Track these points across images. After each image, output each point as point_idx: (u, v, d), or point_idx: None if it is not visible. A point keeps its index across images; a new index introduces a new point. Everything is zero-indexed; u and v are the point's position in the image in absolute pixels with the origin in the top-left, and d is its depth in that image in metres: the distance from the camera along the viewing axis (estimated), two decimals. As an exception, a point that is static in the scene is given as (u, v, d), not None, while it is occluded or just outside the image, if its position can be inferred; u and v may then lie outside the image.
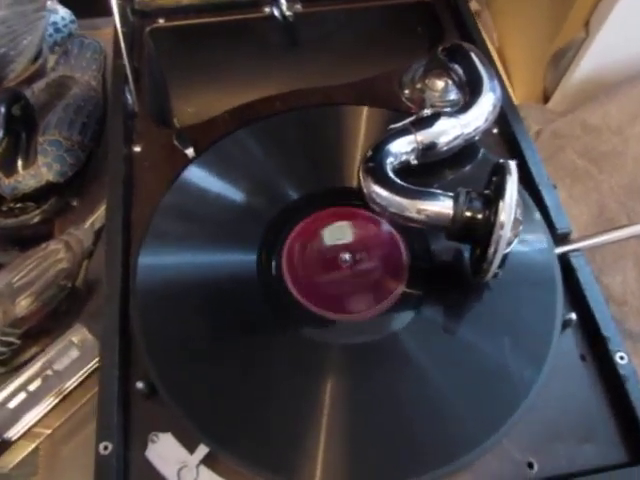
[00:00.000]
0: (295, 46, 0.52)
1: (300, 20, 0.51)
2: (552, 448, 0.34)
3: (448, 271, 0.39)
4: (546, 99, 0.64)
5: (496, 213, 0.32)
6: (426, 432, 0.33)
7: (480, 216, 0.33)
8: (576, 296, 0.38)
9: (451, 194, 0.34)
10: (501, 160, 0.33)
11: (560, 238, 0.40)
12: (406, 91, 0.46)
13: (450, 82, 0.44)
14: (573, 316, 0.36)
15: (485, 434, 0.32)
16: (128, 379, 0.35)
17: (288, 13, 0.50)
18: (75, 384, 0.41)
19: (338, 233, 0.39)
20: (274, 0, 0.49)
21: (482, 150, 0.42)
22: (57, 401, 0.41)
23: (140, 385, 0.33)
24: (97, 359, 0.41)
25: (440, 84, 0.45)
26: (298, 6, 0.51)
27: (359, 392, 0.34)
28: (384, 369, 0.35)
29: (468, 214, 0.33)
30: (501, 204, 0.32)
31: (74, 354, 0.42)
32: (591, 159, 0.58)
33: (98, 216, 0.46)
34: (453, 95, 0.45)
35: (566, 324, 0.37)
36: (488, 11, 0.70)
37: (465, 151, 0.41)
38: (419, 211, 0.34)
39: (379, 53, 0.53)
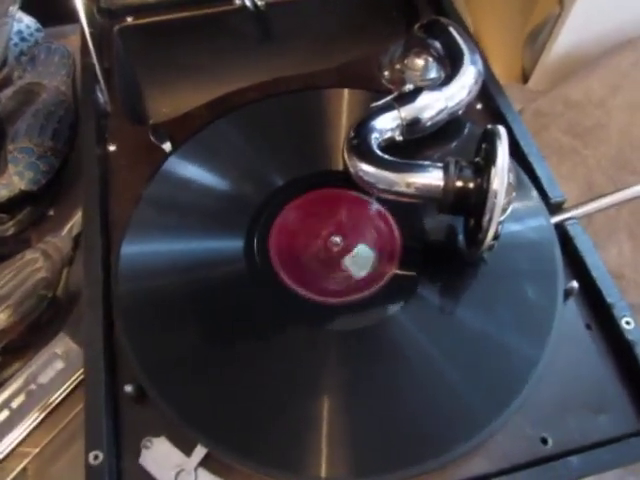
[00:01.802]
0: (269, 37, 0.51)
1: (273, 10, 0.50)
2: (564, 421, 0.32)
3: (443, 249, 0.38)
4: (525, 79, 0.64)
5: (488, 180, 0.31)
6: (433, 415, 0.32)
7: (472, 184, 0.32)
8: (576, 264, 0.37)
9: (440, 165, 0.33)
10: (489, 126, 0.32)
11: (555, 207, 0.39)
12: (385, 73, 0.45)
13: (430, 60, 0.43)
14: (575, 284, 0.35)
15: (495, 412, 0.31)
16: (115, 384, 0.33)
17: (260, 3, 0.49)
18: (62, 397, 0.39)
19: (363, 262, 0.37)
20: (244, -9, 0.48)
21: (468, 124, 0.41)
22: (43, 416, 0.39)
23: (129, 389, 0.31)
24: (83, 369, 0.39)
25: (420, 63, 0.44)
26: (270, -4, 0.50)
27: (359, 378, 0.32)
28: (384, 352, 0.33)
29: (459, 183, 0.32)
30: (493, 170, 0.31)
31: (59, 365, 0.40)
32: (576, 135, 0.58)
33: (76, 221, 0.45)
34: (433, 73, 0.44)
35: (568, 293, 0.35)
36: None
37: (451, 126, 0.40)
38: (408, 185, 0.33)
39: (355, 40, 0.52)
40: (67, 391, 0.39)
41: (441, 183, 0.32)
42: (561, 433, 0.32)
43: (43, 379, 0.39)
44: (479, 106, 0.44)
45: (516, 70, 0.64)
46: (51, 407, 0.39)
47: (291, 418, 0.31)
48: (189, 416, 0.31)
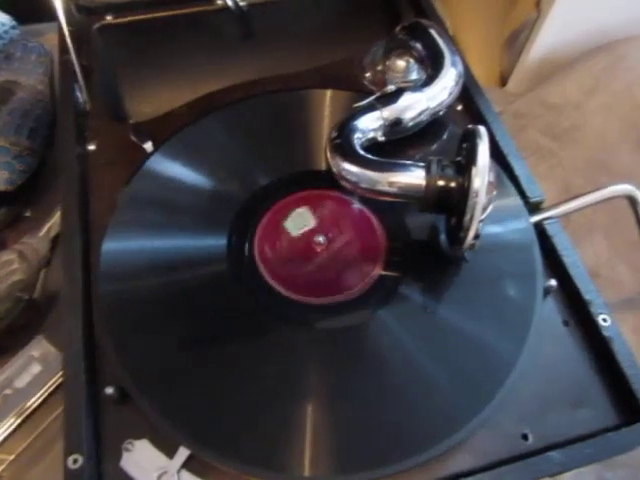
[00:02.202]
0: (251, 37, 0.51)
1: (254, 10, 0.50)
2: (545, 417, 0.33)
3: (426, 248, 0.38)
4: (504, 82, 0.65)
5: (469, 179, 0.31)
6: (415, 413, 0.32)
7: (453, 183, 0.32)
8: (555, 263, 0.38)
9: (422, 164, 0.33)
10: (470, 126, 0.33)
11: (534, 207, 0.39)
12: (367, 74, 0.46)
13: (411, 61, 0.43)
14: (553, 282, 0.36)
15: (475, 410, 0.31)
16: (96, 386, 0.32)
17: (242, 3, 0.49)
18: (39, 402, 0.38)
19: (300, 220, 0.38)
20: (226, -9, 0.48)
21: (449, 124, 0.42)
22: (19, 422, 0.38)
23: (110, 391, 0.31)
24: (61, 372, 0.38)
25: (401, 64, 0.44)
26: (251, -4, 0.50)
27: (342, 377, 0.33)
28: (367, 352, 0.34)
29: (441, 182, 0.32)
30: (474, 169, 0.31)
31: (36, 369, 0.39)
32: (553, 136, 0.59)
33: (54, 222, 0.44)
34: (415, 75, 0.44)
35: (547, 291, 0.36)
36: (439, 0, 0.71)
37: (432, 127, 0.40)
38: (391, 184, 0.33)
39: (336, 41, 0.52)
40: (45, 395, 0.38)
41: (423, 182, 0.32)
42: (541, 429, 0.32)
43: (19, 383, 0.38)
44: (460, 107, 0.45)
45: (495, 73, 0.65)
46: (28, 412, 0.38)
47: (274, 418, 0.31)
48: (172, 417, 0.30)
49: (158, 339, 0.34)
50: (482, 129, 0.32)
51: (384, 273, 0.36)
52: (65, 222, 0.37)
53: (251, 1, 0.50)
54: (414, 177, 0.33)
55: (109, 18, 0.48)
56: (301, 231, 0.37)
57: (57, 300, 0.43)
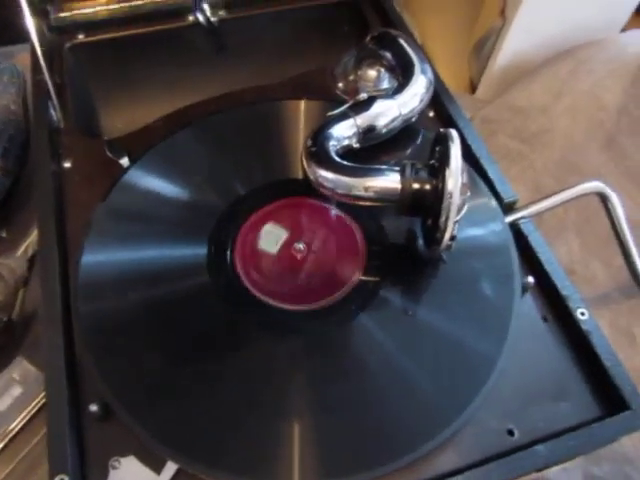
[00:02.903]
0: (223, 51, 0.51)
1: (226, 25, 0.50)
2: (528, 412, 0.33)
3: (405, 252, 0.38)
4: (473, 89, 0.67)
5: (443, 181, 0.32)
6: (398, 415, 0.32)
7: (428, 186, 0.33)
8: (530, 261, 0.38)
9: (397, 168, 0.34)
10: (442, 129, 0.33)
11: (507, 207, 0.40)
12: (340, 84, 0.46)
13: (382, 70, 0.44)
14: (530, 279, 0.37)
15: (458, 409, 0.32)
16: (79, 403, 0.32)
17: (213, 19, 0.49)
18: (21, 425, 0.38)
19: (272, 237, 0.38)
20: (198, 7, 0.48)
21: (421, 130, 0.42)
22: (2, 446, 0.37)
23: (94, 408, 0.31)
24: (43, 393, 0.38)
25: (372, 73, 0.45)
26: (222, 12, 0.50)
27: (326, 382, 0.33)
28: (349, 356, 0.34)
29: (416, 185, 0.33)
30: (447, 171, 0.32)
31: (16, 391, 0.38)
32: (522, 140, 0.60)
33: (31, 242, 0.43)
34: (386, 83, 0.45)
35: (525, 288, 0.37)
36: (407, 11, 0.73)
37: (405, 133, 0.41)
38: (367, 188, 0.33)
39: (307, 53, 0.53)
40: (27, 418, 0.38)
41: (398, 186, 0.33)
42: (526, 424, 0.33)
43: (0, 407, 0.37)
44: (431, 114, 0.46)
45: (464, 81, 0.67)
46: (10, 436, 0.37)
47: (259, 427, 0.31)
48: (158, 432, 0.30)
49: (141, 354, 0.33)
50: (454, 132, 0.32)
51: (364, 278, 0.37)
52: (42, 240, 0.37)
53: (222, 16, 0.50)
54: (389, 181, 0.33)
55: (81, 37, 0.48)
56: (278, 245, 0.37)
57: (36, 320, 0.42)
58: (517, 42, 0.59)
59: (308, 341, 0.34)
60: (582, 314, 0.36)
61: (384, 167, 0.34)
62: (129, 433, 0.30)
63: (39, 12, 0.46)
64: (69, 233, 0.38)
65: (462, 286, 0.37)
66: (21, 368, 0.38)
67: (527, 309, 0.37)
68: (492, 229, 0.39)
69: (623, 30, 0.64)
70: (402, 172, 0.33)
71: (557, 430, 0.33)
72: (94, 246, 0.36)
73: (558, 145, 0.59)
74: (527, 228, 0.39)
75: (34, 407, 0.38)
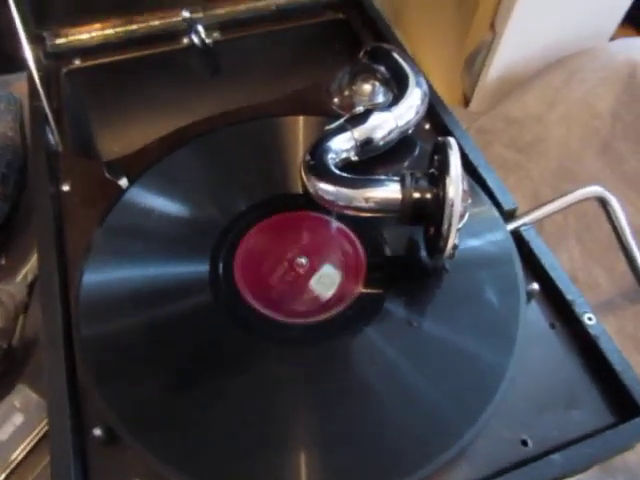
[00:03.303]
0: (218, 73, 0.52)
1: (220, 47, 0.51)
2: (541, 421, 0.33)
3: (407, 262, 0.38)
4: (467, 102, 0.67)
5: (444, 189, 0.32)
6: (408, 429, 0.31)
7: (429, 194, 0.33)
8: (534, 267, 0.38)
9: (396, 178, 0.34)
10: (440, 138, 0.33)
11: (508, 215, 0.40)
12: (335, 99, 0.47)
13: (377, 84, 0.45)
14: (535, 286, 0.36)
15: (469, 420, 0.31)
16: (82, 428, 0.31)
17: (208, 41, 0.50)
18: (23, 454, 0.37)
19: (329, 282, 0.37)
20: (192, 30, 0.49)
21: (418, 142, 0.43)
22: (4, 477, 0.36)
23: (97, 432, 0.30)
24: (45, 420, 0.37)
25: (367, 88, 0.45)
26: (217, 34, 0.51)
27: (332, 397, 0.32)
28: (355, 371, 0.33)
29: (417, 194, 0.33)
30: (447, 179, 0.32)
31: (18, 420, 0.37)
32: (518, 149, 0.61)
33: (31, 267, 0.43)
34: (381, 97, 0.45)
35: (530, 295, 0.36)
36: (397, 28, 0.73)
37: (403, 145, 0.41)
38: (367, 199, 0.33)
39: (302, 71, 0.54)
40: (29, 447, 0.37)
41: (399, 195, 0.33)
42: (539, 433, 0.32)
43: (1, 436, 0.36)
44: (427, 126, 0.46)
45: (457, 95, 0.67)
46: (12, 466, 0.37)
47: (268, 445, 0.30)
48: (164, 456, 0.29)
49: (145, 376, 0.33)
50: (452, 140, 0.33)
51: (367, 290, 0.36)
52: (42, 263, 0.37)
53: (217, 38, 0.51)
54: (390, 191, 0.33)
55: (77, 62, 0.48)
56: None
57: (37, 346, 0.42)
58: (508, 54, 0.60)
59: (312, 355, 0.34)
60: (589, 319, 0.35)
61: (384, 177, 0.34)
62: (134, 457, 0.30)
63: (35, 39, 0.47)
64: (69, 256, 0.38)
65: (467, 296, 0.37)
66: (22, 395, 0.37)
67: (534, 316, 0.37)
68: (494, 237, 0.38)
69: (611, 40, 0.65)
70: (402, 182, 0.33)
71: (571, 438, 0.32)
72: (95, 268, 0.36)
73: (554, 154, 0.59)
74: (529, 235, 0.39)
75: (36, 435, 0.37)
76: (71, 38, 0.48)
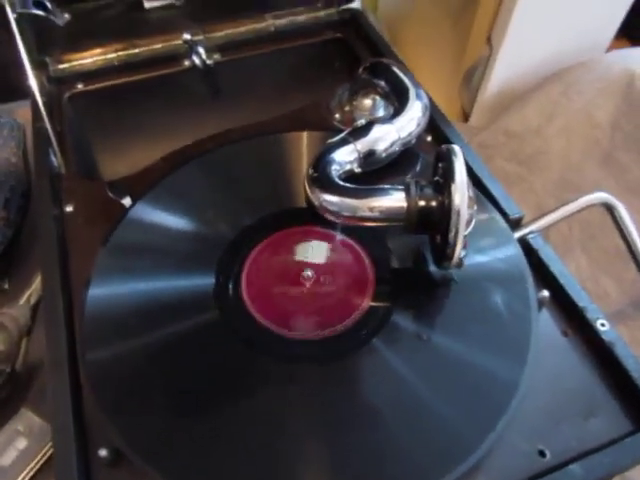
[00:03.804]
0: (219, 93, 0.52)
1: (221, 68, 0.51)
2: (558, 431, 0.32)
3: (415, 274, 0.38)
4: (466, 118, 0.68)
5: (449, 196, 0.32)
6: (421, 444, 0.30)
7: (434, 202, 0.33)
8: (543, 275, 0.38)
9: (401, 187, 0.34)
10: (444, 146, 0.33)
11: (514, 224, 0.40)
12: (336, 115, 0.47)
13: (377, 98, 0.45)
14: (546, 293, 0.36)
15: (483, 432, 0.30)
16: (87, 449, 0.30)
17: (209, 62, 0.50)
18: (27, 479, 0.36)
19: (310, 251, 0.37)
20: (193, 51, 0.50)
21: (421, 154, 0.43)
22: (7, 504, 0.35)
23: (103, 453, 0.29)
24: (50, 444, 0.36)
25: (368, 102, 0.45)
26: (217, 56, 0.52)
27: (342, 413, 0.31)
28: (364, 385, 0.33)
29: (422, 203, 0.33)
30: (453, 186, 0.31)
31: (21, 444, 0.36)
32: (520, 162, 0.61)
33: (34, 290, 0.42)
34: (382, 111, 0.46)
35: (541, 303, 0.36)
36: (394, 46, 0.74)
37: (405, 158, 0.41)
38: (372, 209, 0.33)
39: (302, 90, 0.54)
40: (33, 472, 0.36)
41: (404, 204, 0.33)
42: (557, 443, 0.31)
43: (5, 461, 0.36)
44: (429, 138, 0.46)
45: (456, 111, 0.68)
46: (15, 492, 0.36)
47: (278, 463, 0.29)
48: (172, 476, 0.29)
49: (152, 396, 0.32)
50: (456, 147, 0.33)
51: (375, 303, 0.36)
52: (46, 284, 0.36)
53: (217, 59, 0.52)
54: (395, 200, 0.33)
55: (80, 86, 0.49)
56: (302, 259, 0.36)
57: (40, 370, 0.41)
58: (505, 69, 0.61)
59: (321, 371, 0.33)
60: (602, 325, 0.35)
61: (388, 187, 0.34)
62: (141, 478, 0.29)
63: (38, 64, 0.47)
64: (73, 277, 0.38)
65: (476, 306, 0.36)
66: (26, 420, 0.37)
67: (545, 324, 0.36)
68: (502, 246, 0.38)
69: (607, 52, 0.65)
70: (407, 190, 0.33)
71: (590, 448, 0.31)
72: (99, 288, 0.35)
73: (556, 166, 0.59)
74: (537, 243, 0.39)
75: (40, 460, 0.36)
76: (74, 63, 0.49)
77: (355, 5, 0.56)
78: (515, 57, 0.59)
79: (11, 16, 0.43)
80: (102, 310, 0.35)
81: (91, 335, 0.34)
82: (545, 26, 0.57)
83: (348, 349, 0.34)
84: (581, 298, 0.36)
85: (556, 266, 0.38)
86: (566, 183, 0.58)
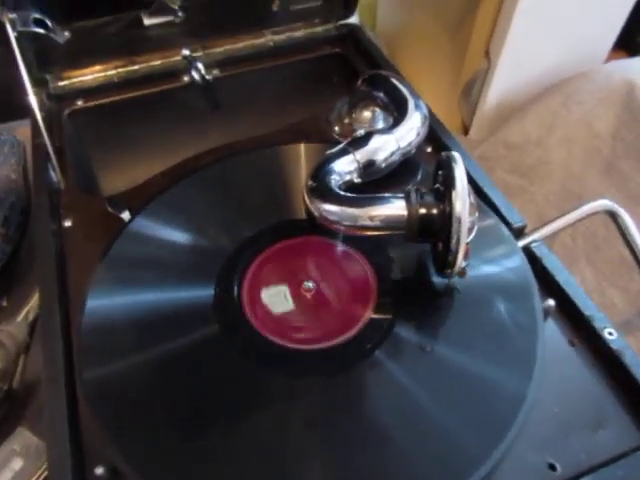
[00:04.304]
0: (219, 109, 0.52)
1: (220, 83, 0.52)
2: (568, 443, 0.31)
3: (416, 284, 0.37)
4: (466, 131, 0.68)
5: (450, 203, 0.31)
6: (426, 459, 0.29)
7: (435, 210, 0.32)
8: (548, 284, 0.37)
9: (401, 195, 0.33)
10: (444, 153, 0.33)
11: (517, 232, 0.39)
12: (335, 128, 0.47)
13: (377, 110, 0.45)
14: (551, 302, 0.35)
15: (491, 445, 0.29)
16: (83, 467, 0.29)
17: (208, 77, 0.50)
18: (22, 501, 0.35)
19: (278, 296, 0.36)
20: (192, 66, 0.50)
21: (421, 164, 0.42)
22: (1, 527, 0.34)
23: (99, 471, 0.28)
24: (46, 465, 0.35)
25: (367, 114, 0.45)
26: (216, 71, 0.52)
27: (345, 426, 0.30)
28: (368, 398, 0.32)
29: (423, 210, 0.32)
30: (454, 193, 0.31)
31: (17, 465, 0.35)
32: (521, 174, 0.60)
33: (32, 306, 0.42)
34: (381, 123, 0.45)
35: (546, 313, 0.35)
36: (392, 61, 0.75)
37: (405, 168, 0.41)
38: (372, 218, 0.33)
39: (301, 106, 0.54)
40: (28, 493, 0.35)
41: (404, 212, 0.32)
42: (567, 456, 0.30)
43: (0, 482, 0.35)
44: (429, 149, 0.46)
45: (456, 123, 0.68)
46: (10, 514, 0.35)
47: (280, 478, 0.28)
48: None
49: (151, 413, 0.31)
50: (456, 154, 0.32)
51: (376, 315, 0.35)
52: (43, 300, 0.36)
53: (216, 75, 0.52)
54: (395, 208, 0.33)
55: (79, 103, 0.49)
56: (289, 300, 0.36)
57: (38, 388, 0.40)
58: (504, 82, 0.61)
59: (324, 382, 0.32)
60: (610, 334, 0.34)
61: (388, 195, 0.33)
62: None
63: (38, 82, 0.47)
64: (71, 292, 0.37)
65: (481, 316, 0.35)
66: (22, 439, 0.36)
67: (552, 334, 0.35)
68: (505, 255, 0.38)
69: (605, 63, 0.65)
70: (407, 198, 0.33)
71: (601, 461, 0.30)
72: (96, 301, 0.35)
73: (557, 176, 0.59)
74: (541, 251, 0.38)
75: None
76: (73, 80, 0.49)
77: (353, 20, 0.56)
78: (513, 69, 0.59)
79: (11, 34, 0.44)
80: (99, 325, 0.34)
81: (89, 351, 0.33)
82: (543, 38, 0.57)
83: (351, 362, 0.33)
84: (587, 307, 0.35)
85: (561, 274, 0.37)
86: (568, 194, 0.58)
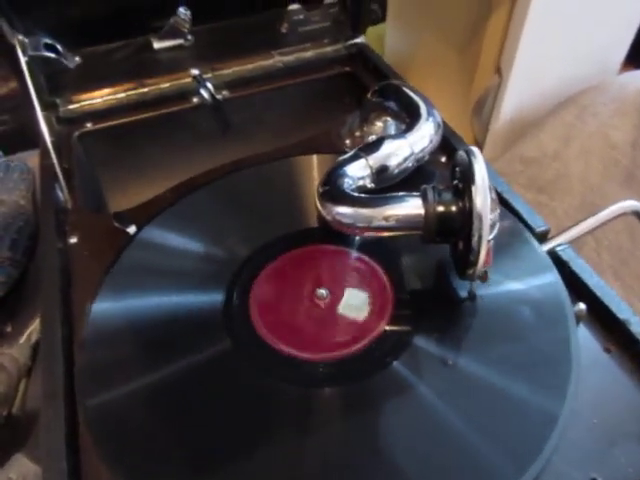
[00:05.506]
0: (228, 129, 0.52)
1: (230, 104, 0.51)
2: (611, 456, 0.28)
3: (436, 292, 0.35)
4: (479, 148, 0.66)
5: (470, 199, 0.30)
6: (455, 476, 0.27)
7: (454, 207, 0.31)
8: (578, 289, 0.35)
9: (417, 193, 0.32)
10: (461, 149, 0.32)
11: (541, 237, 0.37)
12: (347, 141, 0.46)
13: (388, 120, 0.44)
14: (582, 306, 0.33)
15: (528, 460, 0.27)
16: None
17: (218, 97, 0.50)
18: (18, 536, 0.32)
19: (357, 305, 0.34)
20: (202, 86, 0.50)
21: (436, 171, 0.41)
22: None
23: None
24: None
25: (379, 125, 0.44)
26: (226, 92, 0.52)
27: (365, 442, 0.28)
28: (389, 412, 0.30)
29: (441, 208, 0.31)
30: (474, 188, 0.29)
31: (14, 494, 0.33)
32: (539, 189, 0.59)
33: (34, 328, 0.40)
34: (393, 131, 0.44)
35: (578, 318, 0.33)
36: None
37: (419, 174, 0.40)
38: (387, 218, 0.31)
39: (312, 125, 0.53)
40: (25, 525, 0.33)
41: (421, 211, 0.31)
42: (612, 471, 0.28)
43: (-5, 513, 0.32)
44: (443, 159, 0.45)
45: (469, 141, 0.67)
46: None
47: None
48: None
49: (156, 441, 0.29)
50: (475, 149, 0.31)
51: (392, 327, 0.33)
52: (45, 318, 0.34)
53: (226, 96, 0.52)
54: (411, 207, 0.31)
55: (89, 125, 0.49)
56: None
57: (39, 415, 0.38)
58: (516, 97, 0.60)
59: (341, 394, 0.30)
60: (648, 339, 0.32)
61: (402, 194, 0.32)
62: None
63: (48, 105, 0.48)
64: (75, 308, 0.36)
65: (507, 325, 0.33)
66: (19, 466, 0.34)
67: (585, 342, 0.33)
68: (530, 260, 0.36)
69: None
70: (424, 196, 0.31)
71: (650, 476, 0.27)
72: (99, 322, 0.33)
73: (576, 190, 0.57)
74: (567, 254, 0.36)
75: (34, 513, 0.33)
76: (83, 103, 0.49)
77: (361, 40, 0.56)
78: (525, 84, 0.58)
79: (22, 58, 0.44)
80: (102, 341, 0.33)
81: (91, 375, 0.31)
82: (554, 52, 0.56)
83: (368, 373, 0.31)
84: (622, 310, 0.33)
85: (591, 278, 0.35)
86: (589, 206, 0.56)
